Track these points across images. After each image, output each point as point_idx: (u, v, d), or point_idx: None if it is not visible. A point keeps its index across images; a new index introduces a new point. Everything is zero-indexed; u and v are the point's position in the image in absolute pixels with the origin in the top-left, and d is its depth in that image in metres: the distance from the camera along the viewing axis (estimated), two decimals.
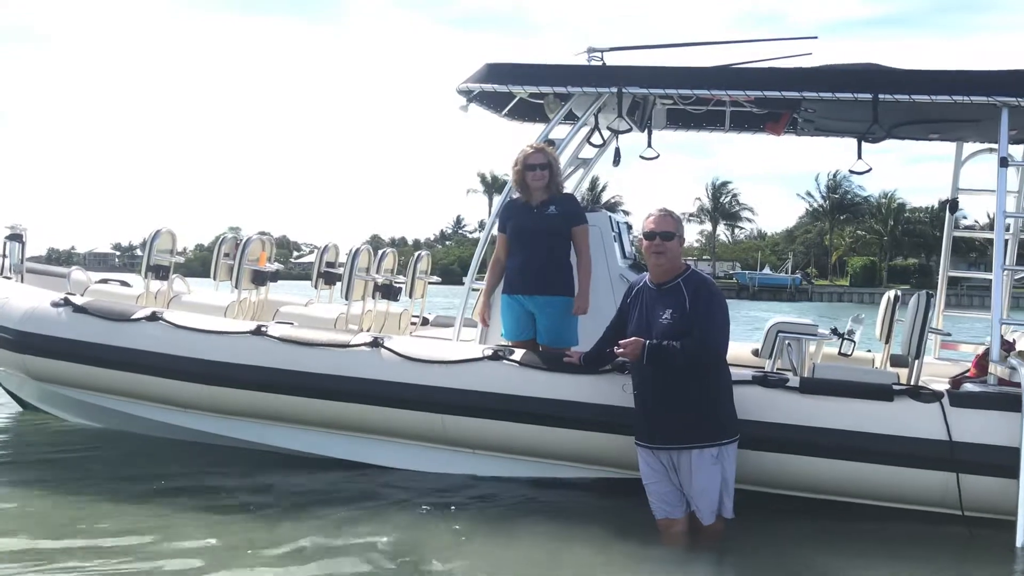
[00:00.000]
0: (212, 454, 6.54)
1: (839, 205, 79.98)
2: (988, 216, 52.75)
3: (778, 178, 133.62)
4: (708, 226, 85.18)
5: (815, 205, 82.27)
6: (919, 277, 68.73)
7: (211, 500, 5.62)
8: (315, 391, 6.05)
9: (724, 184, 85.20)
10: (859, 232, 79.47)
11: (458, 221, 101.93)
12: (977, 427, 5.24)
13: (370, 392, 5.94)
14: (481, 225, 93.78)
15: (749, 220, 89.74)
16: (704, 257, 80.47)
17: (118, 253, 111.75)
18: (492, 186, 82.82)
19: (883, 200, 78.15)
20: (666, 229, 5.01)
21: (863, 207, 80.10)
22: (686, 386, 4.83)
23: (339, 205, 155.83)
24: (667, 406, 4.88)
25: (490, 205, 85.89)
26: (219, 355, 6.23)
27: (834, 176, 79.60)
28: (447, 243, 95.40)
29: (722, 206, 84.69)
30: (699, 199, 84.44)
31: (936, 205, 76.54)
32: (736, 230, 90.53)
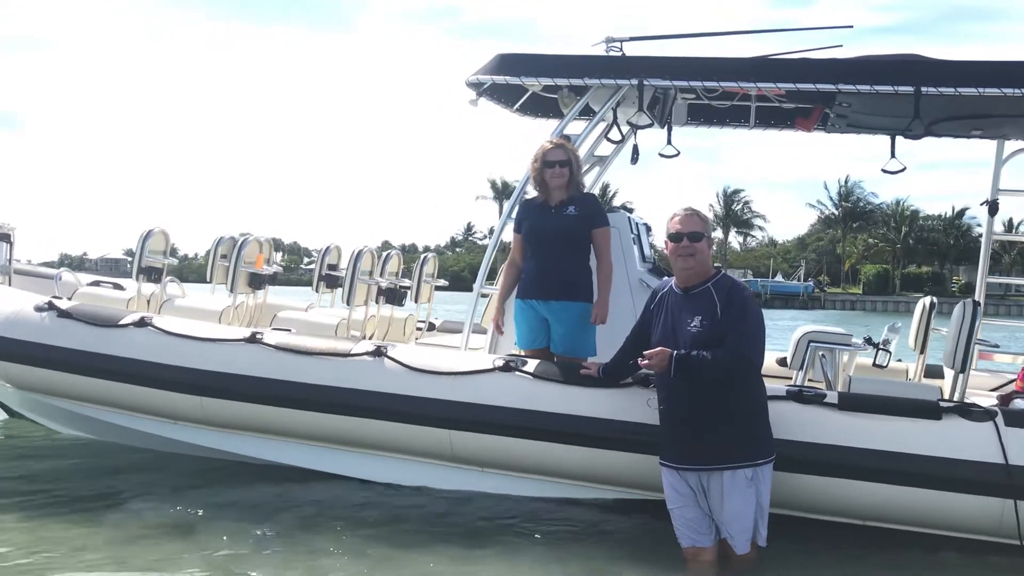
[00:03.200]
0: (205, 468, 6.15)
1: (851, 212, 79.35)
2: (1003, 223, 52.23)
3: (789, 185, 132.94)
4: (720, 233, 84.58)
5: (827, 212, 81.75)
6: (932, 285, 68.21)
7: (201, 516, 5.24)
8: (313, 403, 5.65)
9: (736, 192, 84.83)
10: (871, 240, 78.79)
11: (468, 228, 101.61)
12: None
13: (372, 405, 5.54)
14: (491, 231, 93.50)
15: (761, 228, 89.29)
16: (716, 264, 79.75)
17: (129, 259, 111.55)
18: (502, 192, 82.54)
19: (896, 207, 77.59)
20: (694, 229, 4.60)
21: (876, 214, 79.50)
22: (718, 401, 4.39)
23: (350, 212, 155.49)
24: (696, 423, 4.44)
25: (500, 211, 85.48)
26: (210, 364, 5.84)
27: (846, 183, 79.21)
28: (458, 250, 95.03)
29: (734, 213, 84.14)
30: (711, 206, 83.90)
31: (951, 212, 76.07)
32: (748, 238, 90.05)
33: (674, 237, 4.61)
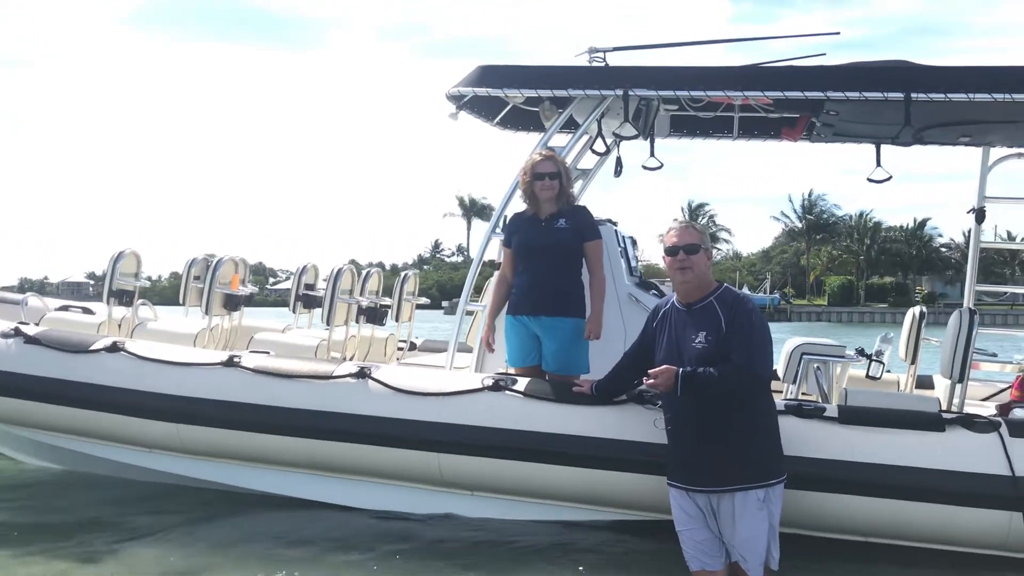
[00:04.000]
0: (183, 498, 5.90)
1: (815, 225, 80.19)
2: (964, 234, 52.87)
3: (753, 199, 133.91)
4: None
5: (791, 225, 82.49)
6: (896, 295, 69.03)
7: (181, 550, 5.01)
8: (295, 428, 5.44)
9: (701, 206, 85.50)
10: (835, 252, 79.58)
11: (436, 245, 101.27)
12: None
13: (356, 429, 5.35)
14: (459, 249, 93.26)
15: (726, 241, 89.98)
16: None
17: (92, 282, 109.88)
18: (470, 209, 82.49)
19: (859, 219, 78.48)
20: (690, 241, 4.46)
21: (839, 226, 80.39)
22: (726, 418, 4.23)
23: (316, 231, 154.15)
24: (706, 442, 4.27)
25: (468, 228, 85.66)
26: (187, 389, 5.63)
27: (810, 196, 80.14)
28: (425, 267, 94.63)
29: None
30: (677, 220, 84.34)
31: (913, 223, 77.06)
32: (713, 251, 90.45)
33: (670, 251, 4.47)
